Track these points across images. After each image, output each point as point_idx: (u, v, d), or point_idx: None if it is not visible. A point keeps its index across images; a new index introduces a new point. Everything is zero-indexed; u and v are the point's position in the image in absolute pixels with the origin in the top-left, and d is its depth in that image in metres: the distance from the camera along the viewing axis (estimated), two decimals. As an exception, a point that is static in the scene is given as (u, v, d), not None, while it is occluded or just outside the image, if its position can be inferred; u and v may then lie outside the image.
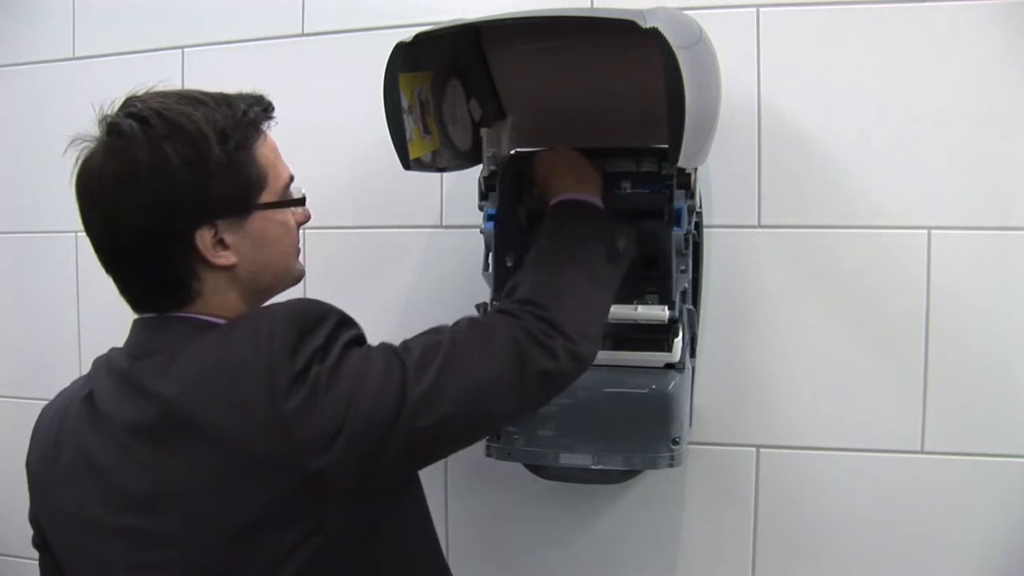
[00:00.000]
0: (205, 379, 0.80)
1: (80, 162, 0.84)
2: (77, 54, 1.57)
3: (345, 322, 0.85)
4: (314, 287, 1.44)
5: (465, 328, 0.87)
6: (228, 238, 0.85)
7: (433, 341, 0.85)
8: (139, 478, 0.81)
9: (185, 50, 1.50)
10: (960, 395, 1.21)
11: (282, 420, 0.76)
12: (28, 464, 0.91)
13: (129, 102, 0.84)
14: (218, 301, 0.87)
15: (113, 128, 0.82)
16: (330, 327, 0.82)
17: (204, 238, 0.83)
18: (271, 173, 0.88)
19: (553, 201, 1.06)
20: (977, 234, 1.19)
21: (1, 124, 1.62)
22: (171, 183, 0.81)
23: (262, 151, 0.87)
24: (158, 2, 1.52)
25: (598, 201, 1.06)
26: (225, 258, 0.85)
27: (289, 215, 0.91)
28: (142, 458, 0.81)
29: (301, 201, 0.92)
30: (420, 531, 0.95)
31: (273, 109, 0.91)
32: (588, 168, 1.10)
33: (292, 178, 0.92)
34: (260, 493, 0.77)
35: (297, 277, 0.95)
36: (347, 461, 0.77)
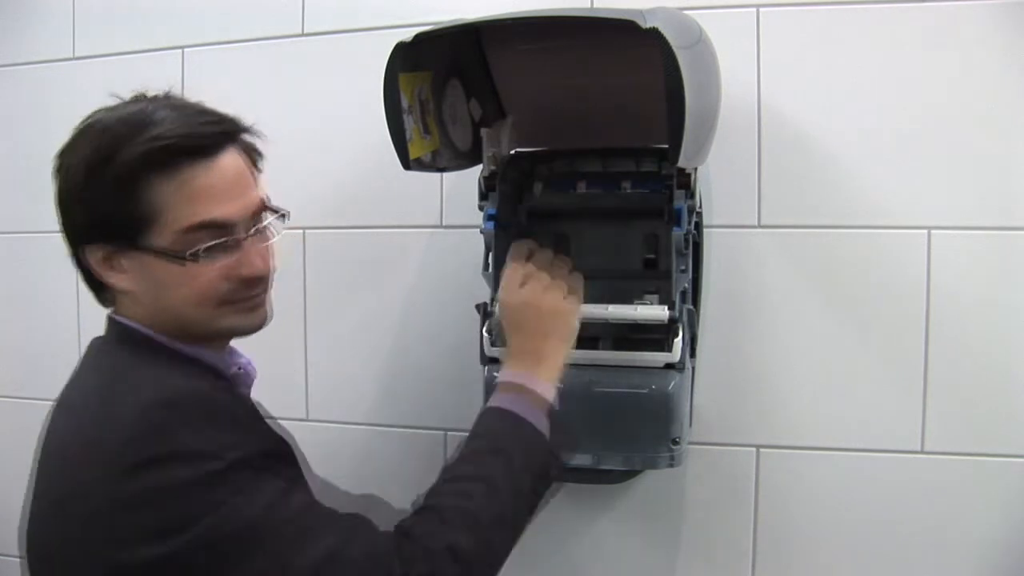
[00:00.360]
0: (80, 426, 0.80)
1: None
2: (77, 54, 1.57)
3: (245, 431, 0.78)
4: (314, 287, 1.44)
5: (349, 545, 0.77)
6: (125, 262, 0.83)
7: (316, 532, 0.76)
8: (36, 486, 0.84)
9: (185, 50, 1.50)
10: (960, 395, 1.21)
11: (122, 501, 0.73)
12: None
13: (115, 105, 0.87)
14: (135, 311, 0.86)
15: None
16: (225, 429, 0.76)
17: (94, 254, 0.84)
18: (167, 214, 0.80)
19: (500, 382, 0.94)
20: (977, 234, 1.19)
21: (1, 124, 1.62)
22: (64, 194, 0.83)
23: (162, 188, 0.79)
24: (158, 2, 1.52)
25: (542, 417, 0.91)
26: (119, 280, 0.84)
27: (196, 266, 0.82)
28: (39, 469, 0.84)
29: (177, 256, 0.81)
30: None
31: (212, 147, 0.83)
32: (554, 332, 0.95)
33: (213, 224, 0.82)
34: (82, 561, 0.76)
35: (225, 332, 0.88)
36: (160, 572, 0.73)
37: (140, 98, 0.87)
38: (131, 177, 0.79)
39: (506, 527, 0.85)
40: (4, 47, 1.61)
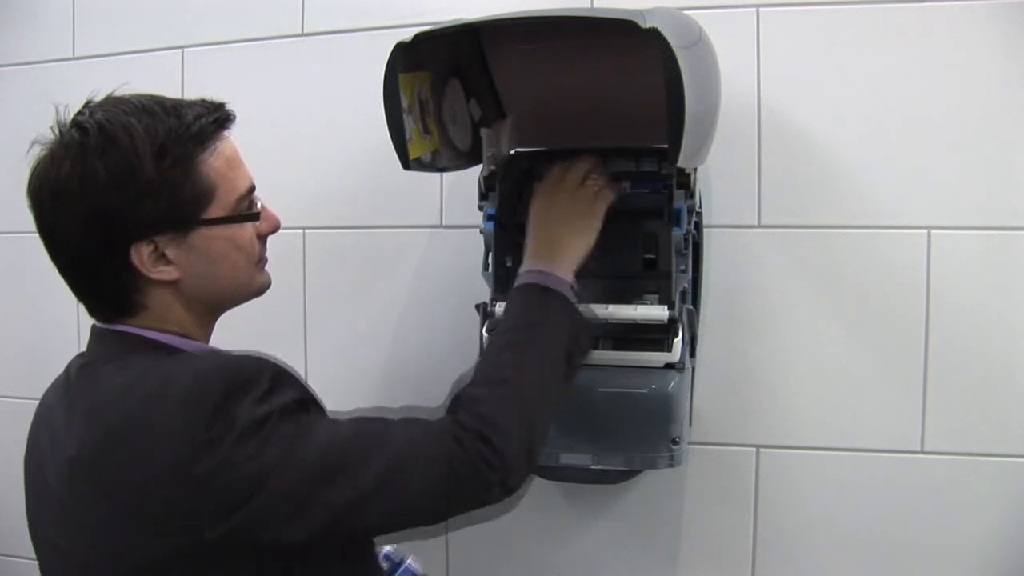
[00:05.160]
0: (120, 429, 0.79)
1: (31, 167, 0.84)
2: (77, 54, 1.57)
3: (278, 386, 0.80)
4: (314, 287, 1.44)
5: (408, 444, 0.83)
6: (170, 253, 0.83)
7: (373, 447, 0.81)
8: (64, 500, 0.82)
9: (185, 50, 1.50)
10: (960, 395, 1.21)
11: (184, 486, 0.75)
12: (24, 462, 0.93)
13: (83, 108, 0.84)
14: (166, 315, 0.86)
15: (59, 135, 0.83)
16: (259, 394, 0.78)
17: (141, 253, 0.82)
18: (221, 186, 0.85)
19: (522, 273, 0.99)
20: (977, 234, 1.19)
21: (1, 124, 1.62)
22: (101, 199, 0.80)
23: (211, 164, 0.84)
24: (158, 2, 1.52)
25: (567, 288, 0.97)
26: (166, 273, 0.84)
27: (243, 229, 0.88)
28: (67, 484, 0.82)
29: (253, 216, 0.89)
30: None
31: (231, 119, 0.87)
32: (576, 226, 1.02)
33: (252, 189, 0.89)
34: (156, 546, 0.77)
35: (258, 290, 0.93)
36: (244, 535, 0.76)
37: (120, 100, 0.85)
38: (190, 159, 0.83)
39: (543, 407, 0.91)
40: (4, 47, 1.61)
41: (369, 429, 0.84)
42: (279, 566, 0.81)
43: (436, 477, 0.81)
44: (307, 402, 0.83)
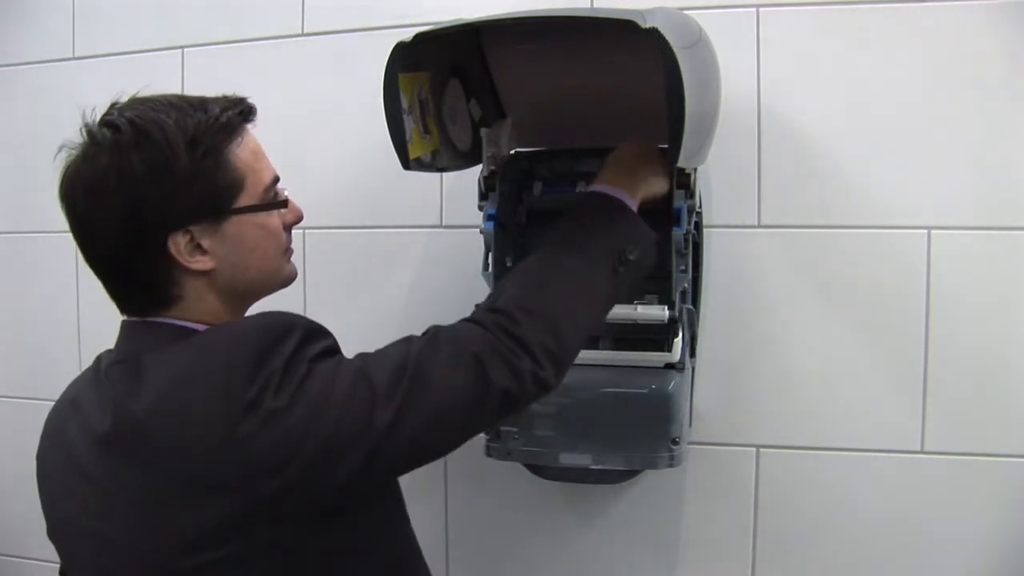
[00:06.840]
0: (163, 397, 0.80)
1: (62, 169, 0.85)
2: (77, 54, 1.57)
3: (310, 336, 0.83)
4: (314, 287, 1.44)
5: (432, 347, 0.86)
6: (205, 243, 0.85)
7: (400, 362, 0.84)
8: (102, 483, 0.82)
9: (185, 50, 1.50)
10: (960, 395, 1.21)
11: (234, 446, 0.76)
12: (37, 460, 0.92)
13: (110, 109, 0.85)
14: (199, 306, 0.87)
15: (89, 136, 0.84)
16: (293, 345, 0.81)
17: (178, 244, 0.84)
18: (249, 176, 0.87)
19: (587, 189, 1.03)
20: (977, 234, 1.19)
21: (1, 124, 1.62)
22: (138, 192, 0.81)
23: (239, 154, 0.86)
24: (158, 2, 1.52)
25: (630, 202, 0.99)
26: (202, 263, 0.85)
27: (271, 217, 0.90)
28: (104, 464, 0.82)
29: (281, 204, 0.91)
30: (393, 537, 0.94)
31: (253, 111, 0.90)
32: (650, 167, 1.04)
33: (276, 179, 0.91)
34: (210, 512, 0.78)
35: (286, 279, 0.95)
36: (299, 486, 0.78)
37: (146, 99, 0.87)
38: (220, 149, 0.85)
39: (578, 299, 0.93)
40: (4, 47, 1.61)
41: (395, 348, 0.87)
42: (327, 517, 0.82)
43: (467, 371, 0.84)
44: (337, 351, 0.87)
